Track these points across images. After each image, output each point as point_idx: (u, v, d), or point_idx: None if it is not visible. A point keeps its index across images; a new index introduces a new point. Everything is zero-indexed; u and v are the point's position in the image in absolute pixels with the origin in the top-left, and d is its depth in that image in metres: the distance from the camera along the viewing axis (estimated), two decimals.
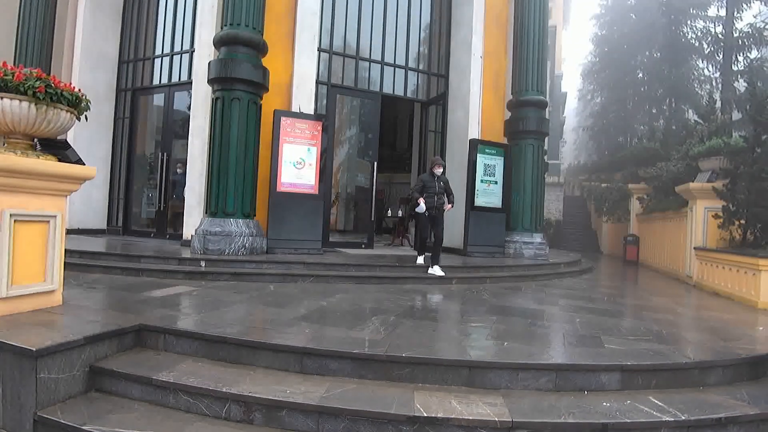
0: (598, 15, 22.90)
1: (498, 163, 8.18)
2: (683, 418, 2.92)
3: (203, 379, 2.93)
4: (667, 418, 2.90)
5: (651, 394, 3.20)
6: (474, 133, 8.48)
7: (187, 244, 6.65)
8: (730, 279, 6.11)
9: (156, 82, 9.04)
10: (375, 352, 3.16)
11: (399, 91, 9.19)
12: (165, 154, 8.65)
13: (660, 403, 3.07)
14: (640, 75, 19.39)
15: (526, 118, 8.42)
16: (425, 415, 2.68)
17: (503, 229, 7.92)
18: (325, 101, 8.18)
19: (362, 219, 10.16)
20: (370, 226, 8.47)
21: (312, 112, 7.44)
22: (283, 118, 6.91)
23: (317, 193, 7.03)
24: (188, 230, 6.88)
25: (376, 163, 8.36)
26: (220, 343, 3.29)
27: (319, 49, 8.02)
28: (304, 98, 7.43)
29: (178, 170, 8.43)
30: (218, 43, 6.60)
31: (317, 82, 7.85)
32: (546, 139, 9.20)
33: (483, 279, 6.48)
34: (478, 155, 7.97)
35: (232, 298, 4.59)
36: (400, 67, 9.14)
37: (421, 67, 9.43)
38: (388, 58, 9.05)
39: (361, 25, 8.79)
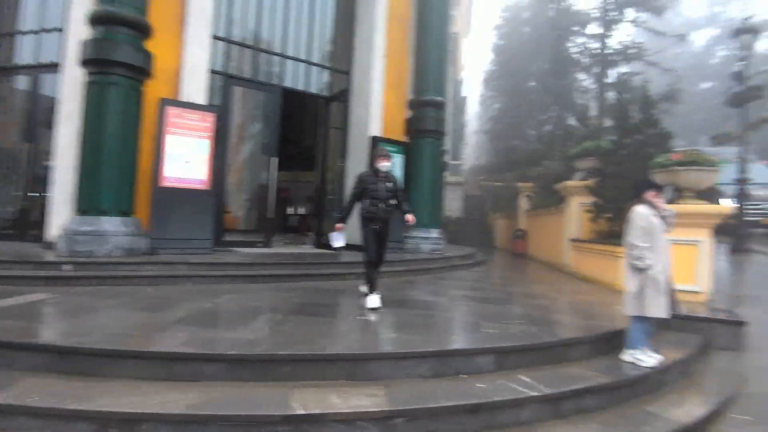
0: (499, 26, 24.50)
1: (397, 160, 8.35)
2: (547, 392, 3.16)
3: (49, 396, 2.57)
4: (533, 393, 3.11)
5: (522, 372, 3.42)
6: (375, 130, 8.57)
7: (51, 246, 5.87)
8: (598, 266, 6.85)
9: (19, 62, 7.90)
10: (253, 352, 3.01)
11: (301, 86, 8.99)
12: (30, 144, 7.58)
13: (529, 380, 3.30)
14: (533, 84, 21.06)
15: (426, 117, 8.71)
16: (302, 412, 2.60)
17: (402, 225, 8.09)
18: (221, 93, 7.74)
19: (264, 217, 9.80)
20: (268, 224, 8.18)
21: (205, 103, 6.99)
22: (169, 108, 6.39)
23: (209, 188, 6.61)
24: (54, 231, 6.08)
25: (275, 159, 8.10)
26: (72, 354, 2.92)
27: (215, 37, 7.57)
28: (196, 88, 6.95)
29: (46, 163, 7.43)
30: (95, 21, 5.90)
31: (212, 72, 7.40)
32: (445, 139, 9.56)
33: (380, 274, 6.54)
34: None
35: (98, 304, 4.12)
36: (302, 61, 8.95)
37: (324, 62, 9.32)
38: (291, 51, 8.81)
39: (262, 15, 8.45)
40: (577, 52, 18.91)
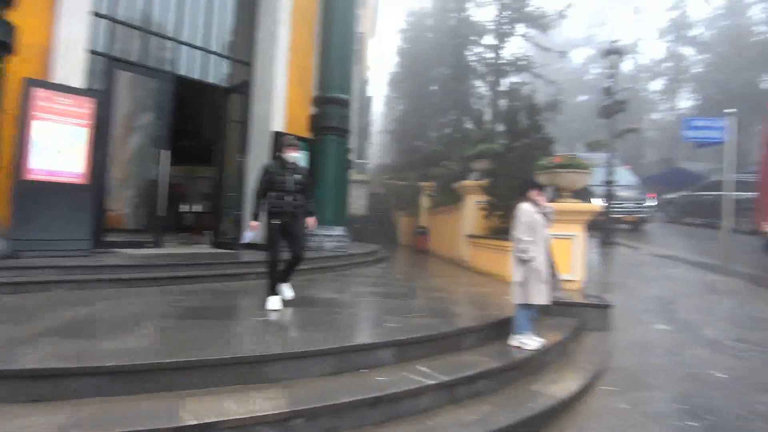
0: (404, 30, 25.17)
1: (302, 157, 8.19)
2: (443, 379, 3.32)
3: None
4: (430, 382, 3.25)
5: (420, 363, 3.55)
6: (278, 125, 8.32)
7: None
8: (491, 259, 7.38)
9: None
10: (136, 362, 2.74)
11: (198, 75, 8.42)
12: None
13: (427, 370, 3.43)
14: (435, 88, 22.00)
15: (331, 114, 8.65)
16: (194, 423, 2.43)
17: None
18: (104, 77, 6.94)
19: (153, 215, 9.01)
20: (158, 223, 7.55)
21: (83, 87, 6.22)
22: (36, 90, 5.58)
23: (87, 183, 5.90)
24: None
25: (166, 152, 7.48)
26: None
27: (97, 14, 6.78)
28: (72, 69, 6.14)
29: None
30: None
31: (92, 53, 6.61)
32: (351, 137, 9.59)
33: (297, 272, 6.38)
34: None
35: None
36: (199, 48, 8.38)
37: (224, 51, 8.82)
38: (186, 37, 8.20)
39: None
40: (474, 61, 20.15)
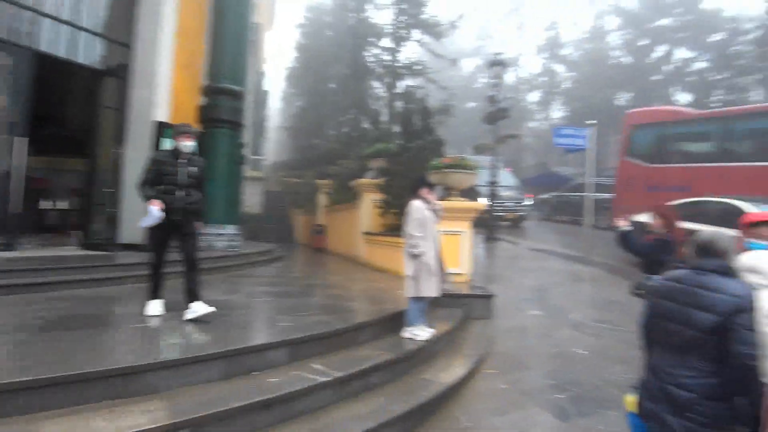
0: (302, 24, 24.69)
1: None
2: (338, 376, 3.33)
3: None
4: (325, 379, 3.23)
5: (315, 361, 3.52)
6: (162, 114, 7.65)
7: None
8: (387, 256, 7.59)
9: None
10: None
11: (65, 53, 7.38)
12: None
13: (321, 368, 3.41)
14: (334, 86, 21.95)
15: (222, 106, 8.19)
16: None
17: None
18: None
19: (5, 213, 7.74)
20: (12, 222, 6.49)
21: None
22: None
23: None
24: None
25: (22, 139, 6.45)
26: None
27: None
28: None
29: None
30: None
31: None
32: (244, 131, 9.16)
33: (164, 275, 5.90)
34: (165, 140, 7.24)
35: None
36: (66, 23, 7.34)
37: (97, 28, 7.84)
38: (50, 9, 7.14)
39: None
40: (372, 62, 20.50)
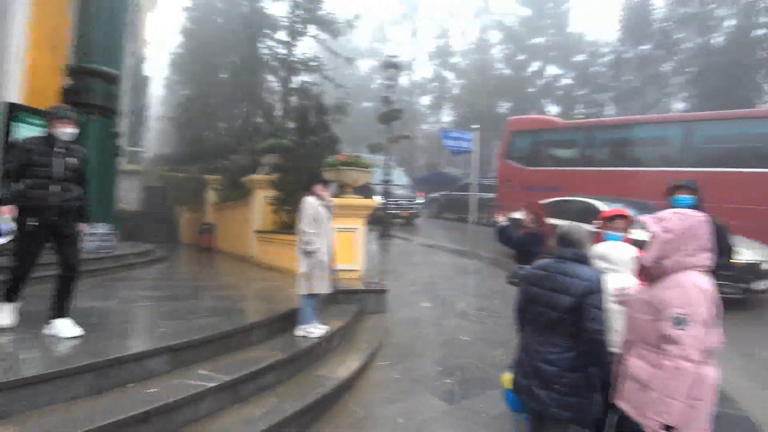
0: (189, 8, 22.87)
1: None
2: (226, 380, 3.16)
3: None
4: (211, 385, 3.06)
5: (201, 366, 3.31)
6: (13, 95, 6.57)
7: None
8: (280, 254, 7.38)
9: None
10: None
11: None
12: None
13: (208, 373, 3.22)
14: (225, 76, 20.75)
15: (92, 89, 7.26)
16: None
17: None
18: None
19: None
20: None
21: None
22: None
23: None
24: None
25: None
26: None
27: None
28: None
29: None
30: None
31: None
32: (120, 120, 8.26)
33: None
34: (17, 124, 6.23)
35: None
36: None
37: None
38: None
39: None
40: (267, 54, 19.82)
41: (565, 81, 29.00)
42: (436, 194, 20.27)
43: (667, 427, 1.92)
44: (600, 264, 2.85)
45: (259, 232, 8.50)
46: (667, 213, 2.14)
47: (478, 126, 10.56)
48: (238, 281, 6.58)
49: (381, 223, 12.47)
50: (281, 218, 7.91)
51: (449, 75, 34.77)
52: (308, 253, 4.16)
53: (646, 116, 17.53)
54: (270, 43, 20.11)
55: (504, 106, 29.14)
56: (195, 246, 12.07)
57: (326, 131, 8.19)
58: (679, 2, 22.71)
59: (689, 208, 3.22)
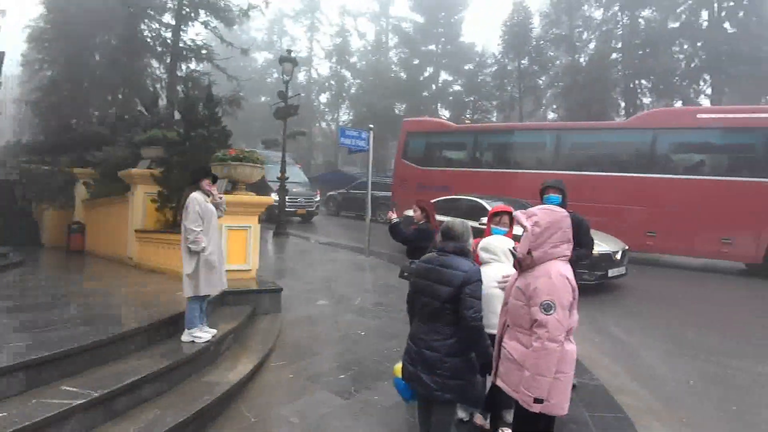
0: None
1: None
2: (97, 395, 2.86)
3: None
4: (79, 402, 2.75)
5: (66, 383, 2.96)
6: None
7: None
8: (164, 255, 6.81)
9: None
10: None
11: None
12: None
13: (74, 389, 2.89)
14: (98, 58, 18.54)
15: None
16: None
17: None
18: None
19: None
20: None
21: None
22: None
23: None
24: None
25: None
26: None
27: None
28: None
29: None
30: None
31: None
32: None
33: None
34: None
35: None
36: None
37: None
38: None
39: None
40: (150, 37, 18.17)
41: (456, 87, 30.85)
42: (333, 192, 20.31)
43: (537, 400, 2.16)
44: (484, 255, 3.11)
45: (139, 231, 7.74)
46: (535, 209, 2.39)
47: (373, 126, 10.77)
48: (112, 286, 5.95)
49: (278, 221, 12.18)
50: (165, 216, 7.32)
51: (347, 74, 34.96)
52: (194, 253, 3.90)
53: (524, 124, 19.44)
54: (154, 25, 18.48)
55: (400, 108, 30.16)
56: (61, 248, 10.64)
57: (216, 124, 7.75)
58: (551, 23, 25.45)
59: (557, 206, 3.65)
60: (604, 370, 4.55)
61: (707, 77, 22.20)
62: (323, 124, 37.51)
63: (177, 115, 10.00)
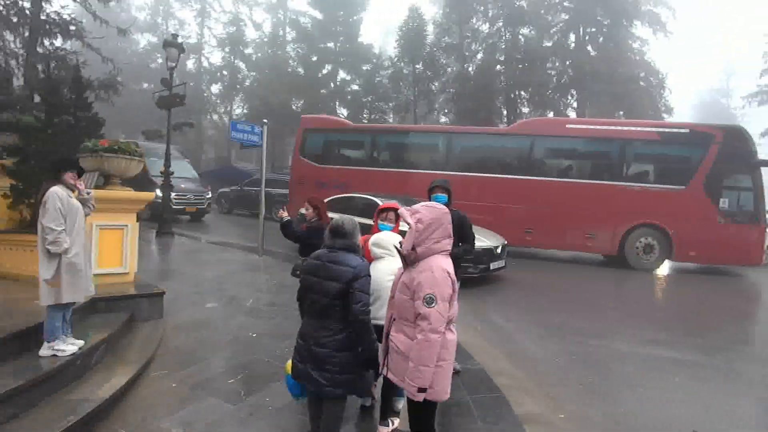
0: None
1: None
2: None
3: None
4: None
5: None
6: None
7: None
8: (19, 259, 5.87)
9: None
10: None
11: None
12: None
13: None
14: None
15: None
16: None
17: None
18: None
19: None
20: None
21: None
22: None
23: None
24: None
25: None
26: None
27: None
28: None
29: None
30: None
31: None
32: None
33: None
34: None
35: None
36: None
37: None
38: None
39: None
40: (3, 5, 15.57)
41: (354, 87, 31.14)
42: (226, 189, 19.31)
43: (421, 389, 2.27)
44: (377, 250, 3.20)
45: None
46: (418, 206, 2.49)
47: (267, 121, 10.45)
48: None
49: (162, 219, 11.25)
50: (21, 214, 6.35)
51: (242, 65, 33.35)
52: (54, 255, 3.43)
53: (420, 126, 20.33)
54: None
55: (297, 104, 29.63)
56: None
57: (86, 110, 6.91)
58: (444, 32, 26.86)
59: (443, 204, 3.88)
60: (485, 355, 4.95)
61: (574, 92, 25.26)
62: (215, 117, 35.32)
63: (38, 99, 8.73)
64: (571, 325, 6.31)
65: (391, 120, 29.47)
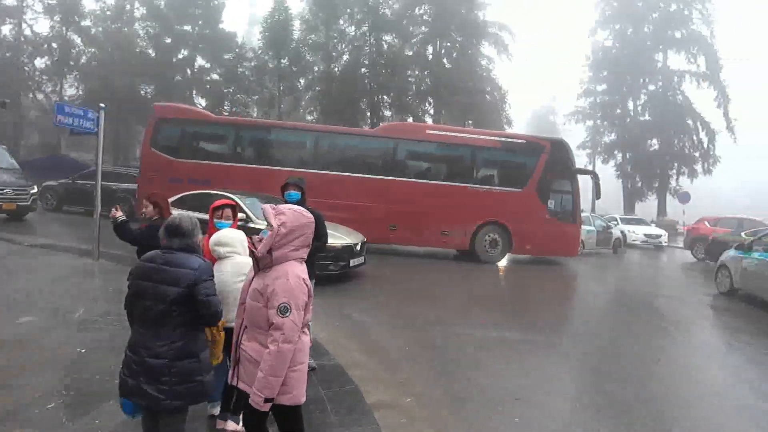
0: None
1: None
2: None
3: None
4: None
5: None
6: None
7: None
8: None
9: None
10: None
11: None
12: None
13: None
14: None
15: None
16: None
17: None
18: None
19: None
20: None
21: None
22: None
23: None
24: None
25: None
26: None
27: None
28: None
29: None
30: None
31: None
32: None
33: None
34: None
35: None
36: None
37: None
38: None
39: None
40: None
41: (214, 76, 29.18)
42: (53, 182, 16.43)
43: (268, 400, 2.16)
44: (221, 250, 3.03)
45: None
46: (284, 208, 2.34)
47: (104, 105, 9.17)
48: None
49: None
50: None
51: (76, 39, 28.71)
52: None
53: (287, 123, 19.89)
54: None
55: (147, 90, 26.70)
56: None
57: None
58: (310, 30, 26.69)
59: (296, 202, 3.85)
60: (342, 350, 5.07)
61: (431, 100, 27.32)
62: (40, 96, 29.74)
63: None
64: (420, 314, 6.83)
65: (255, 114, 28.35)
